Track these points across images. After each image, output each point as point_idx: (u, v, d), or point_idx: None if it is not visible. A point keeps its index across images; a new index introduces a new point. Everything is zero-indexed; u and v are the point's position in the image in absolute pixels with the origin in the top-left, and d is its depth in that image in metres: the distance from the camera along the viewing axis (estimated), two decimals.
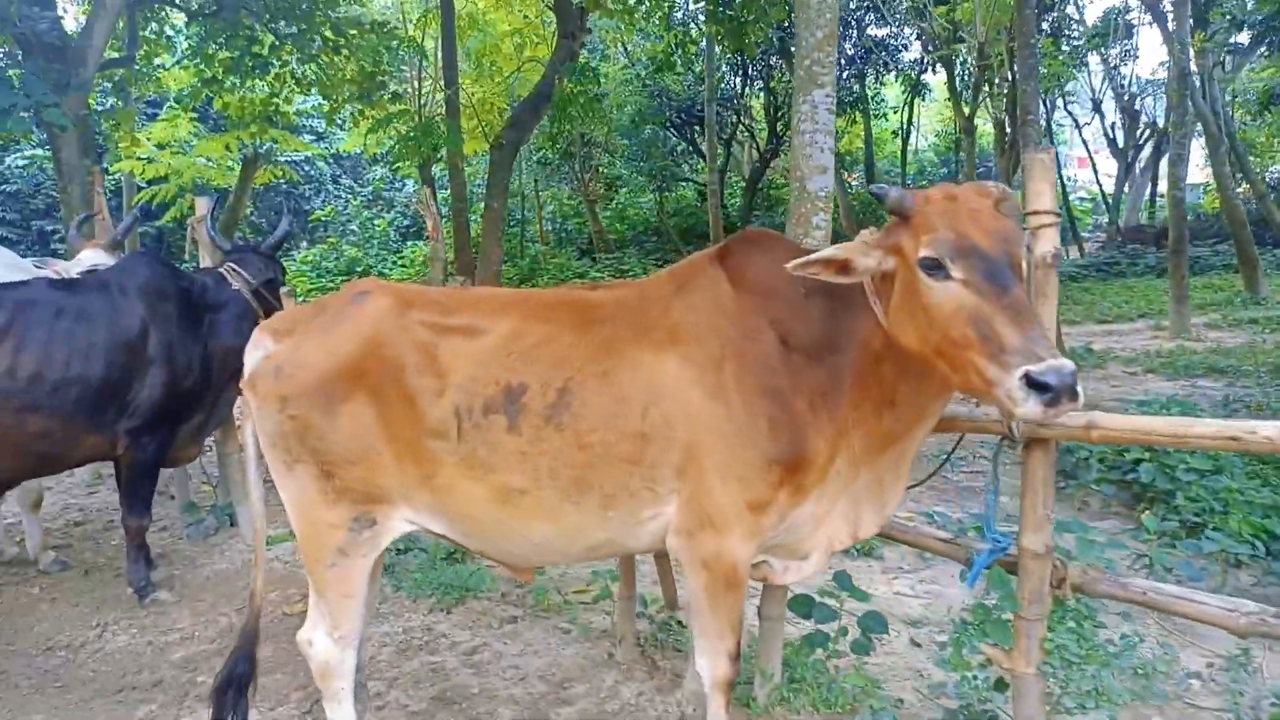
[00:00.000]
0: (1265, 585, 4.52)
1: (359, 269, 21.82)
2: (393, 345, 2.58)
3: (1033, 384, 1.89)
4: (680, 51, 14.50)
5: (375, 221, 25.20)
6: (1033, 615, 2.63)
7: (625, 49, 22.45)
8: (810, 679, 3.44)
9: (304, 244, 25.77)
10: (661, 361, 2.52)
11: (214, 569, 5.34)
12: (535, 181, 23.92)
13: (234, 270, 5.07)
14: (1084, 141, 29.17)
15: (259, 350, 2.70)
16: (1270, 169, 24.23)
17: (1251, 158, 21.98)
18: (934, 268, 2.11)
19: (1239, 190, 16.41)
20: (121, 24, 10.71)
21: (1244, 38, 20.60)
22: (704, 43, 17.45)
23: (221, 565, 5.39)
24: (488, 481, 2.54)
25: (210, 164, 14.68)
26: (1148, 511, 4.23)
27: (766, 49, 18.62)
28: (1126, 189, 26.82)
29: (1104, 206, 27.43)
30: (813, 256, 2.30)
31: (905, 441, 2.53)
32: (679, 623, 4.17)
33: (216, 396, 4.99)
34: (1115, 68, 23.96)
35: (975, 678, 2.76)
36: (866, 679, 3.49)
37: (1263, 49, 21.28)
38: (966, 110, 19.99)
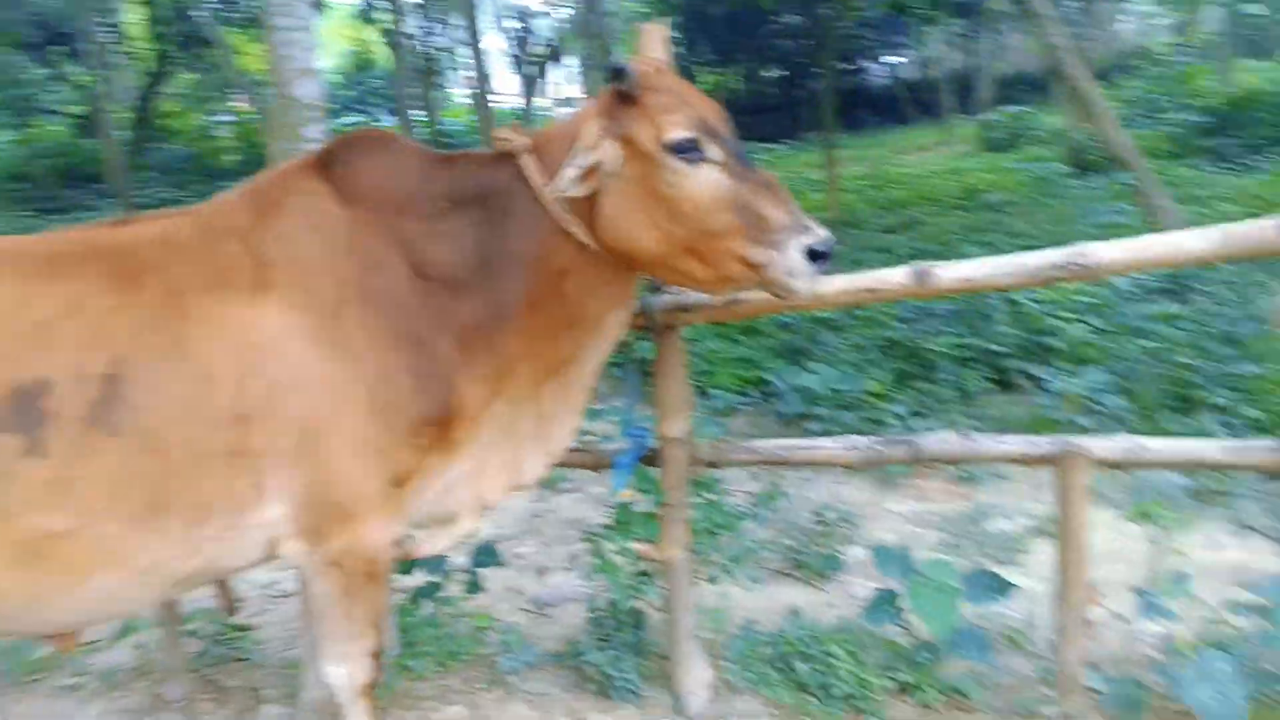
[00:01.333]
0: (760, 427, 5.25)
1: None
2: None
3: (814, 255, 1.87)
4: None
5: None
6: (678, 500, 2.58)
7: None
8: (428, 638, 3.05)
9: None
10: (255, 314, 1.85)
11: None
12: None
13: None
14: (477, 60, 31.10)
15: None
16: None
17: None
18: (688, 150, 1.88)
19: None
20: None
21: None
22: None
23: None
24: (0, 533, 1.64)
25: None
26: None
27: None
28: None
29: (516, 119, 29.62)
30: (573, 169, 1.89)
31: (580, 367, 2.19)
32: (235, 627, 3.35)
33: None
34: None
35: (620, 573, 2.64)
36: (480, 615, 3.23)
37: None
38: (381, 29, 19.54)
